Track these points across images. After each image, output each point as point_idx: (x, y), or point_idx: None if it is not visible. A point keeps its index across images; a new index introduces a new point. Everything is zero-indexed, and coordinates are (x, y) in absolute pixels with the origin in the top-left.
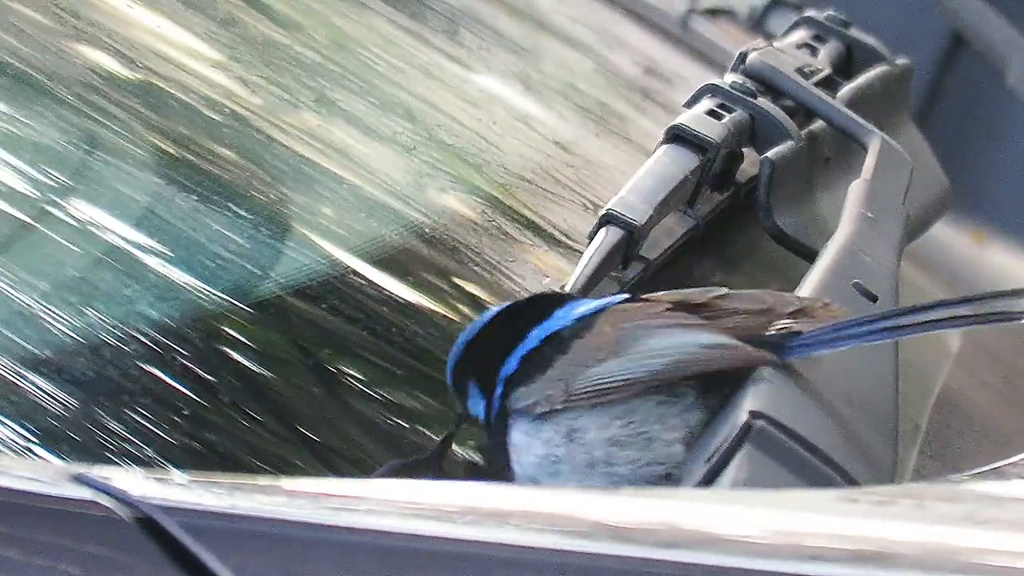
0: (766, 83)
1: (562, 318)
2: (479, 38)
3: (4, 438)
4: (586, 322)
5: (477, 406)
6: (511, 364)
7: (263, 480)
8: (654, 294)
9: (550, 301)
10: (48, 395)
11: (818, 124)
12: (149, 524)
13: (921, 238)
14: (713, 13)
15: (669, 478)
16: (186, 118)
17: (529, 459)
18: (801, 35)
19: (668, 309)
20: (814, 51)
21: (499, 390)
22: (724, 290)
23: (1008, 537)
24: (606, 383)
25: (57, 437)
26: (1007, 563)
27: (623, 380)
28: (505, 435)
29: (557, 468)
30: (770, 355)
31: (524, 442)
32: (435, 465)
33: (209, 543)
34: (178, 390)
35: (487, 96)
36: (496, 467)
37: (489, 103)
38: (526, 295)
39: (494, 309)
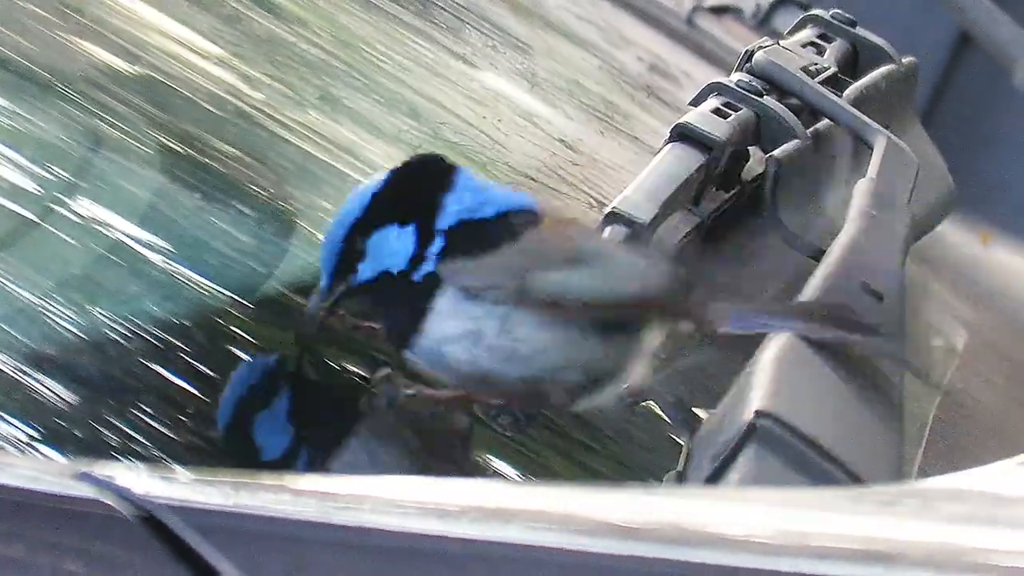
0: (772, 82)
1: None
2: (484, 36)
3: (7, 435)
4: (532, 216)
5: (392, 256)
6: (449, 217)
7: (268, 478)
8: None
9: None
10: (51, 392)
11: (824, 123)
12: (153, 522)
13: (926, 238)
14: (719, 11)
15: (583, 389)
16: (190, 115)
17: (447, 328)
18: (807, 33)
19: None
20: (820, 50)
21: (438, 245)
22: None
23: (1015, 536)
24: (570, 296)
25: (60, 434)
26: (1014, 563)
27: (589, 296)
28: (426, 297)
29: (474, 344)
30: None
31: (449, 312)
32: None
33: (213, 541)
34: (182, 387)
35: (492, 94)
36: (390, 320)
37: (494, 101)
38: None
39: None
